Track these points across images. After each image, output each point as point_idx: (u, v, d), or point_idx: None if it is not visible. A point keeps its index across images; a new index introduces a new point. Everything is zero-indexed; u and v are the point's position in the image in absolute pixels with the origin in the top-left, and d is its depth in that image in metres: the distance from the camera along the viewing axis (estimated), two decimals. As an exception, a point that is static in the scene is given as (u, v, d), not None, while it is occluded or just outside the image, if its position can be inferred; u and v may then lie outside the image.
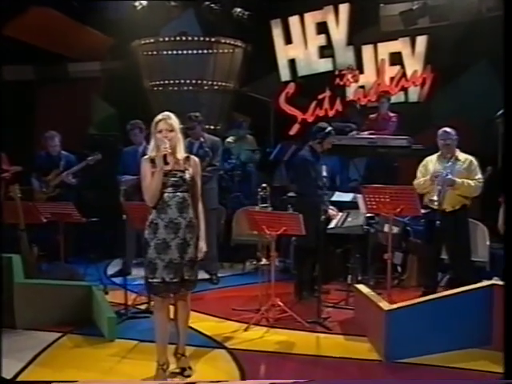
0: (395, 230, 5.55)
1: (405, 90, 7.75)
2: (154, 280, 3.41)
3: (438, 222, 4.42)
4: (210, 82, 8.13)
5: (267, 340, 4.30)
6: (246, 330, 4.48)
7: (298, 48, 8.22)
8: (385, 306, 3.91)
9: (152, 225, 3.44)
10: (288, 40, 8.24)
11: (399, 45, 7.76)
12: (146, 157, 3.51)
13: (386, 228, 5.66)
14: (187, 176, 3.45)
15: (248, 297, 5.34)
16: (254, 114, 8.06)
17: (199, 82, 8.09)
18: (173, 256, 3.40)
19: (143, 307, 4.86)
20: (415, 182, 4.92)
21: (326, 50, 8.10)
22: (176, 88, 8.14)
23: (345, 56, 8.01)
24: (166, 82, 8.16)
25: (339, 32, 8.00)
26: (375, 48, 7.85)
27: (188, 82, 8.07)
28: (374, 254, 5.48)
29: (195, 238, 3.49)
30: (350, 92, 7.93)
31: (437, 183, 4.64)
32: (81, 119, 8.56)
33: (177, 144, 3.46)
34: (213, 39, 7.99)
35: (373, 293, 4.33)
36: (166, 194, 3.41)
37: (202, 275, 5.30)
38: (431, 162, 4.91)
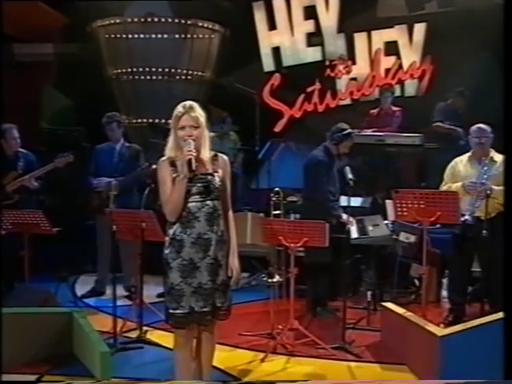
0: (412, 238, 5.31)
1: (401, 82, 7.54)
2: (180, 311, 2.91)
3: (484, 231, 4.14)
4: (184, 71, 7.69)
5: (292, 372, 3.90)
6: (263, 360, 4.06)
7: (284, 35, 7.83)
8: (437, 330, 3.59)
9: (174, 242, 2.93)
10: (272, 25, 7.85)
11: (395, 33, 7.54)
12: (163, 158, 2.99)
13: (402, 236, 5.43)
14: (217, 180, 2.97)
15: (252, 318, 4.92)
16: (235, 107, 7.57)
17: (172, 70, 7.63)
18: (202, 280, 2.92)
19: (134, 335, 4.35)
20: (443, 187, 4.61)
21: (315, 38, 7.77)
22: (144, 77, 7.63)
23: (335, 45, 7.72)
24: (134, 69, 7.65)
25: (329, 18, 7.69)
26: (369, 36, 7.59)
27: (159, 70, 7.60)
28: (390, 266, 5.21)
29: (227, 257, 3.02)
30: (342, 84, 7.65)
31: (471, 194, 4.36)
32: (29, 111, 7.79)
33: (202, 142, 2.98)
34: (189, 22, 7.52)
35: (411, 313, 4.02)
36: (192, 204, 2.91)
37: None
38: (461, 164, 4.61)
